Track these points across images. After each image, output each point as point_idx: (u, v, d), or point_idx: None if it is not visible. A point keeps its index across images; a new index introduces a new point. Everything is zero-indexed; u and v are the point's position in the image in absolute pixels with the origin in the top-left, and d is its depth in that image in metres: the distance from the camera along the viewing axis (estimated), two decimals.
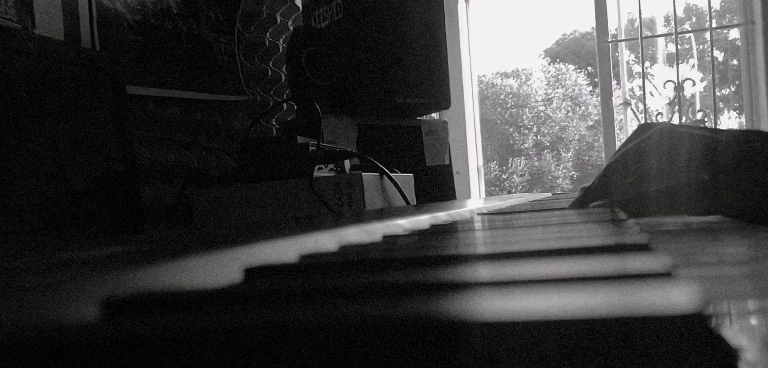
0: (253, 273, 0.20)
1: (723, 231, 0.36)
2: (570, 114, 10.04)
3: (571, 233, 0.25)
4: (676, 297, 0.10)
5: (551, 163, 9.69)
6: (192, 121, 1.07)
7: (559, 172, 9.60)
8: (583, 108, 10.03)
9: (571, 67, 10.35)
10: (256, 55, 1.30)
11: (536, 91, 10.32)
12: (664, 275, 0.13)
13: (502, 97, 10.18)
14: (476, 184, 2.56)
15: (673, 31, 2.26)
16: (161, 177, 0.98)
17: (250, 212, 0.83)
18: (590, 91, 9.87)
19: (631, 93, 2.75)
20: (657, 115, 2.46)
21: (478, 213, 0.52)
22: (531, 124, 10.03)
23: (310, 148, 0.84)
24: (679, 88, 2.35)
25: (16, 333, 0.11)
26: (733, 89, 6.90)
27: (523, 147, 9.81)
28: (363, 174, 0.81)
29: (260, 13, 1.32)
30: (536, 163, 9.70)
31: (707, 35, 2.43)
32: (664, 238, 0.33)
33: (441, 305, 0.11)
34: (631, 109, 2.66)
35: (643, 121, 2.42)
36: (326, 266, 0.21)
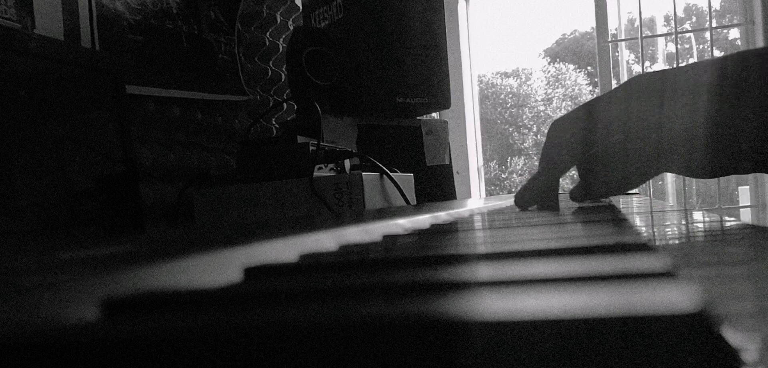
0: (253, 273, 0.20)
1: (723, 231, 0.36)
2: None
3: (571, 233, 0.25)
4: (676, 297, 0.10)
5: None
6: (192, 121, 1.07)
7: None
8: None
9: (571, 66, 10.35)
10: (256, 55, 1.30)
11: (536, 91, 10.32)
12: (665, 275, 0.13)
13: (502, 96, 10.18)
14: (476, 183, 2.57)
15: (673, 30, 2.26)
16: (161, 177, 0.98)
17: (250, 212, 0.83)
18: (590, 91, 9.87)
19: None
20: None
21: (479, 213, 0.52)
22: (531, 123, 10.03)
23: (310, 148, 0.84)
24: None
25: (16, 333, 0.11)
26: None
27: (522, 146, 9.82)
28: (363, 174, 0.81)
29: (260, 13, 1.32)
30: (536, 162, 9.71)
31: (707, 35, 2.43)
32: (664, 238, 0.33)
33: (441, 305, 0.11)
34: None
35: None
36: (326, 266, 0.21)
